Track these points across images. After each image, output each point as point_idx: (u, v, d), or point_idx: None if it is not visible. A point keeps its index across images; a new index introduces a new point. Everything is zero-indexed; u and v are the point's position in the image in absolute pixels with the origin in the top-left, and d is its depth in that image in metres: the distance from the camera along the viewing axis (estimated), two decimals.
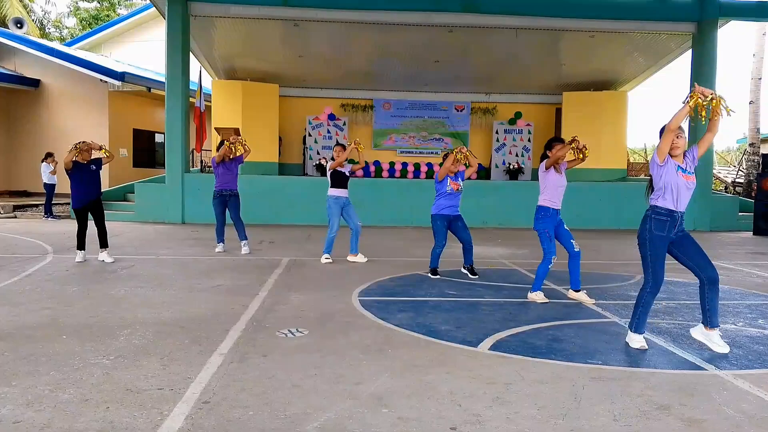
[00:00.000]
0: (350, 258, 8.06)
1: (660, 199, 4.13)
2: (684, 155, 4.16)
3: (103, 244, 7.71)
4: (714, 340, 4.13)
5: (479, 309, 5.38)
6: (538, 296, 5.68)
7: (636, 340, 4.18)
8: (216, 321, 4.73)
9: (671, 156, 4.10)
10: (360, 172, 8.31)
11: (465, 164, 6.99)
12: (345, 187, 7.97)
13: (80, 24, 35.22)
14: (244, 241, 8.72)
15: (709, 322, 4.15)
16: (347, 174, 8.00)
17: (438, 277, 6.89)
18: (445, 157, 6.97)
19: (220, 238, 8.81)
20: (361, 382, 3.40)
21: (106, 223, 7.84)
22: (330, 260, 7.89)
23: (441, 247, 6.96)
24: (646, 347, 4.13)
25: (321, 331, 4.50)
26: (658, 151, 4.08)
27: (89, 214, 7.68)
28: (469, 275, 6.93)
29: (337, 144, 8.12)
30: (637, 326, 4.20)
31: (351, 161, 8.23)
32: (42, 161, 14.28)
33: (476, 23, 13.85)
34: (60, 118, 18.09)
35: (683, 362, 3.90)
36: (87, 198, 7.63)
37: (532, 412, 3.02)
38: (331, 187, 7.95)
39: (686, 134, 4.14)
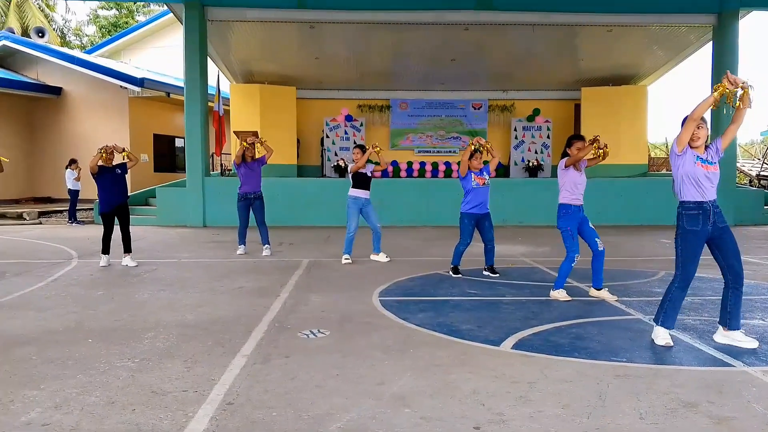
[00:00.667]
0: (373, 257, 8.10)
1: (685, 193, 4.06)
2: (707, 147, 4.10)
3: (127, 248, 7.81)
4: (737, 338, 4.06)
5: (501, 308, 5.35)
6: (560, 294, 5.63)
7: (661, 336, 4.11)
8: (238, 323, 4.77)
9: (693, 147, 4.04)
10: (378, 173, 8.31)
11: (485, 161, 6.91)
12: (366, 188, 7.98)
13: (100, 32, 35.78)
14: (266, 246, 8.79)
15: (728, 324, 4.09)
16: (369, 175, 8.02)
17: (459, 276, 6.87)
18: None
19: (242, 240, 8.88)
20: (383, 383, 3.40)
21: (129, 227, 7.94)
22: (350, 261, 7.90)
23: (465, 245, 6.91)
24: (672, 344, 4.07)
25: (342, 331, 4.51)
26: (678, 140, 4.02)
27: (115, 218, 7.79)
28: (491, 275, 6.90)
29: (356, 146, 8.14)
30: (663, 320, 4.13)
31: (373, 162, 8.23)
32: (66, 167, 14.54)
33: (491, 20, 13.80)
34: (82, 125, 18.36)
35: (710, 359, 3.83)
36: (114, 202, 7.73)
37: (556, 411, 2.99)
38: (353, 187, 7.98)
39: (708, 125, 4.07)
